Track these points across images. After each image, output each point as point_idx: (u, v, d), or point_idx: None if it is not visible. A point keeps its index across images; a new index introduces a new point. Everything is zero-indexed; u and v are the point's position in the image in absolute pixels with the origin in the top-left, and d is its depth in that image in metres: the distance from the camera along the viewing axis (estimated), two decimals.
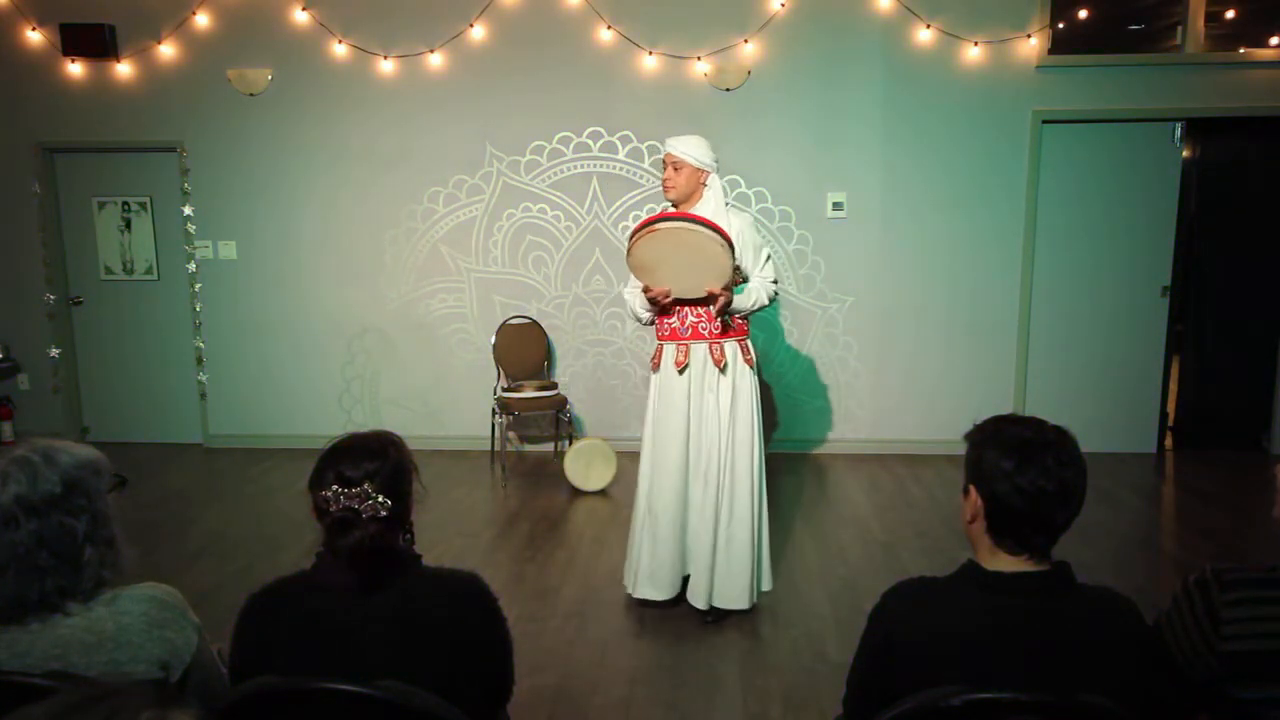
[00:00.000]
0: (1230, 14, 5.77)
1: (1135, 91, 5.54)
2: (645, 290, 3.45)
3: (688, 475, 3.54)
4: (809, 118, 5.69)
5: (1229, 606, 1.55)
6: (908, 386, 5.93)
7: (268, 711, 1.47)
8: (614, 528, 4.64)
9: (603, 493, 5.20)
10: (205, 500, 5.23)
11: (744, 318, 3.58)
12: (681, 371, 3.50)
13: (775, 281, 3.59)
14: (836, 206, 5.77)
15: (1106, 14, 5.79)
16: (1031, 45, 5.53)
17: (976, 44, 5.55)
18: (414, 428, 5.95)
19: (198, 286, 6.11)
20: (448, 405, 6.11)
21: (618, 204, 5.83)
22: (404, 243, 5.97)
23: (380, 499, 1.61)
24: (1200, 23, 5.54)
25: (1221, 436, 5.99)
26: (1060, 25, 5.61)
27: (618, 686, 3.17)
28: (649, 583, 3.63)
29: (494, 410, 5.65)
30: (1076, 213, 5.72)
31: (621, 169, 5.80)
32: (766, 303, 3.56)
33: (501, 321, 5.87)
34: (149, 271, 6.20)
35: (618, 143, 5.77)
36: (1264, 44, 5.65)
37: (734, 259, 3.35)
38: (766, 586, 3.70)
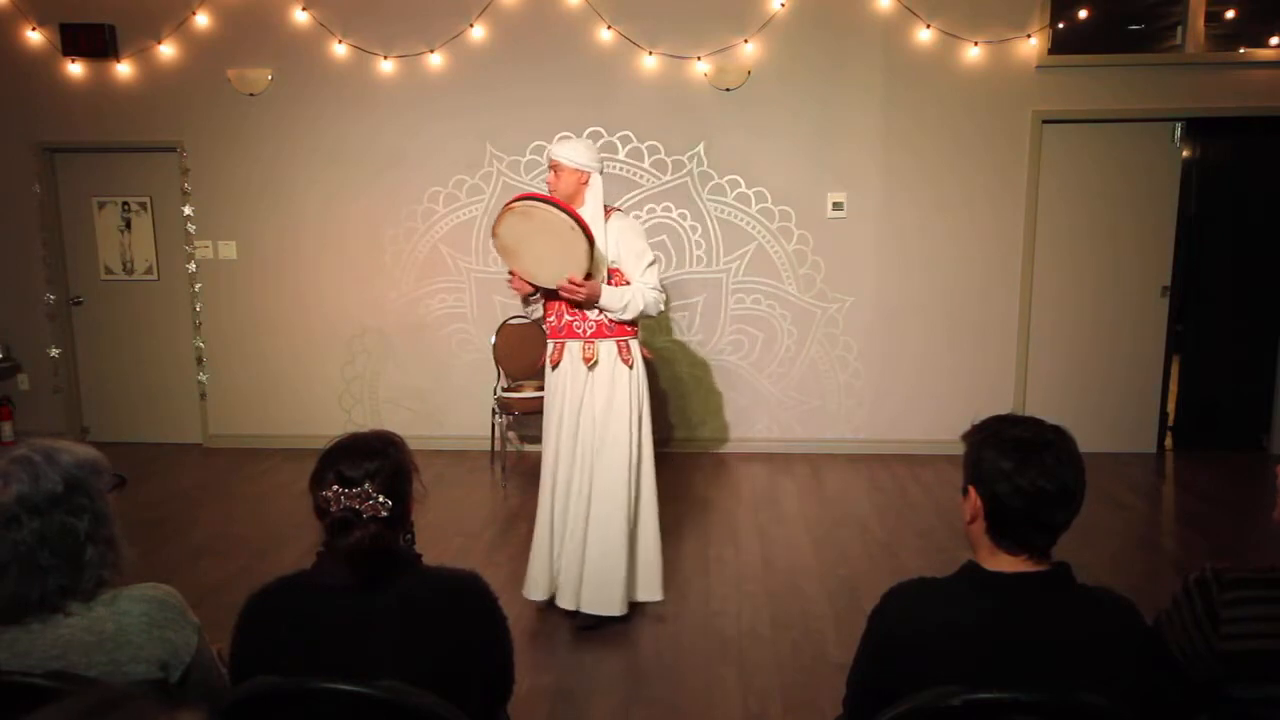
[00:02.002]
0: (1230, 14, 5.77)
1: (1135, 91, 5.54)
2: (509, 275, 3.49)
3: (560, 473, 3.52)
4: (809, 118, 5.69)
5: (1229, 606, 1.55)
6: (908, 386, 5.93)
7: (268, 711, 1.47)
8: None
9: None
10: (205, 500, 5.22)
11: (631, 322, 3.50)
12: (555, 368, 3.53)
13: (660, 291, 3.50)
14: (836, 206, 5.77)
15: (1106, 14, 5.78)
16: (1031, 45, 5.53)
17: (976, 44, 5.55)
18: (414, 428, 5.94)
19: (198, 286, 6.11)
20: (448, 405, 6.11)
21: (617, 204, 5.81)
22: (404, 243, 5.97)
23: (381, 499, 1.61)
24: (1200, 23, 5.54)
25: (1221, 436, 5.99)
26: (1060, 25, 5.60)
27: (618, 686, 3.17)
28: (530, 582, 3.62)
29: (494, 410, 5.65)
30: (1076, 213, 5.72)
31: (621, 169, 5.80)
32: (642, 307, 3.44)
33: (501, 321, 5.87)
34: (149, 271, 6.20)
35: (618, 143, 5.77)
36: (1264, 44, 5.65)
37: (593, 251, 3.29)
38: (653, 596, 3.59)
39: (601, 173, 3.53)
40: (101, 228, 6.17)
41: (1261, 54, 5.55)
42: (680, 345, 5.98)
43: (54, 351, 6.19)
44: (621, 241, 3.48)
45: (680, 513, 4.89)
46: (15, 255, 6.12)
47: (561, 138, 3.54)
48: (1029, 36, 5.53)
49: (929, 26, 5.53)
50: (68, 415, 6.28)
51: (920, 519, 4.79)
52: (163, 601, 1.58)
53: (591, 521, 3.47)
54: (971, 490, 1.56)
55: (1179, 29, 5.64)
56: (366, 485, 1.61)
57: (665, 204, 5.81)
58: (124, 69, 5.89)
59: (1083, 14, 5.70)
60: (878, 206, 5.76)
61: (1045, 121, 5.61)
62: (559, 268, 3.32)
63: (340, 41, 5.76)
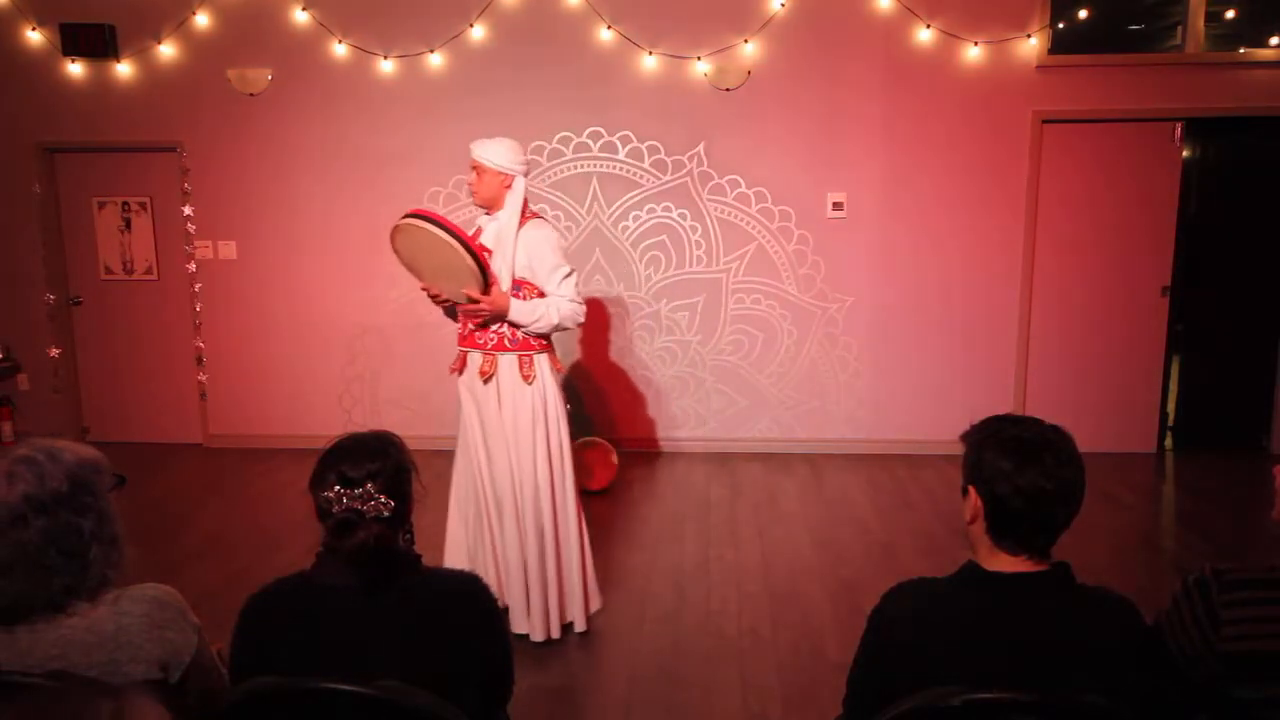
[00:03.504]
0: (1230, 14, 5.78)
1: (1135, 91, 5.54)
2: (423, 288, 3.31)
3: (478, 485, 3.40)
4: (809, 118, 5.69)
5: (1229, 606, 1.55)
6: (908, 386, 5.92)
7: (268, 711, 1.47)
8: (614, 528, 4.65)
9: (603, 493, 5.19)
10: (205, 500, 5.22)
11: (543, 336, 3.33)
12: (460, 376, 3.40)
13: (579, 302, 3.30)
14: (836, 206, 5.77)
15: (1106, 14, 5.79)
16: (1031, 45, 5.54)
17: (976, 44, 5.55)
18: (414, 428, 5.93)
19: (198, 286, 6.11)
20: (448, 405, 6.08)
21: (618, 204, 5.83)
22: None
23: (383, 499, 1.61)
24: (1200, 23, 5.54)
25: (1221, 436, 5.99)
26: (1060, 25, 5.61)
27: (617, 686, 3.17)
28: None
29: None
30: (1076, 212, 5.72)
31: (621, 169, 5.80)
32: (556, 320, 3.24)
33: None
34: (149, 271, 6.20)
35: (618, 143, 5.78)
36: (1264, 44, 5.66)
37: (478, 261, 3.08)
38: (576, 625, 3.49)
39: (526, 175, 3.34)
40: (101, 228, 6.17)
41: (1261, 54, 5.55)
42: (680, 345, 5.98)
43: (54, 351, 6.19)
44: (532, 253, 3.26)
45: (680, 513, 4.89)
46: (15, 255, 6.12)
47: (483, 140, 3.32)
48: (1029, 36, 5.53)
49: (929, 26, 5.53)
50: (68, 415, 6.28)
51: (920, 519, 4.79)
52: (163, 602, 1.58)
53: (508, 546, 3.36)
54: (971, 490, 1.56)
55: (1179, 29, 5.64)
56: (369, 486, 1.61)
57: (665, 204, 5.81)
58: (124, 69, 5.88)
59: (1083, 14, 5.71)
60: (878, 206, 5.75)
61: (1045, 121, 5.61)
62: (456, 283, 3.15)
63: (340, 41, 5.76)
